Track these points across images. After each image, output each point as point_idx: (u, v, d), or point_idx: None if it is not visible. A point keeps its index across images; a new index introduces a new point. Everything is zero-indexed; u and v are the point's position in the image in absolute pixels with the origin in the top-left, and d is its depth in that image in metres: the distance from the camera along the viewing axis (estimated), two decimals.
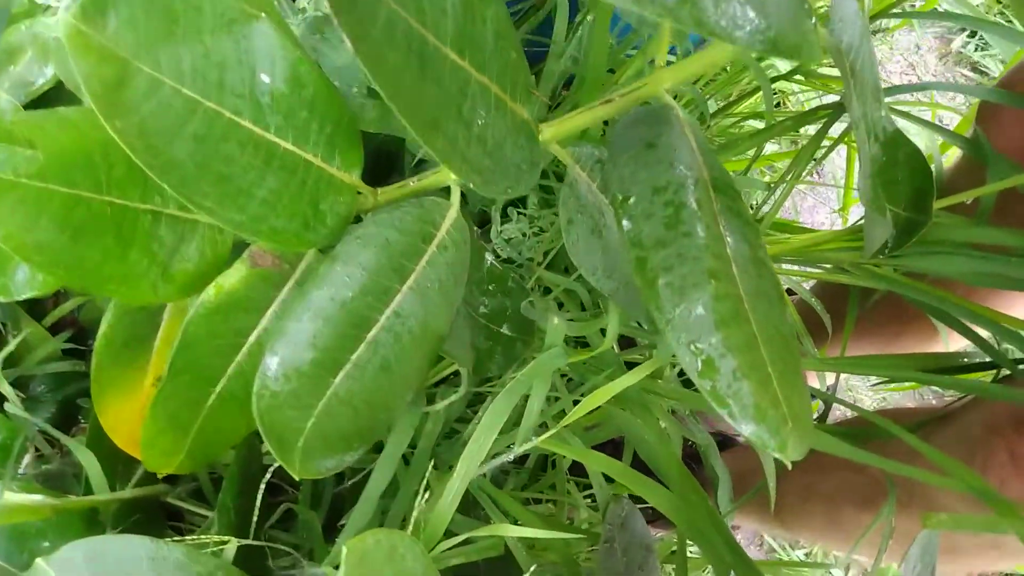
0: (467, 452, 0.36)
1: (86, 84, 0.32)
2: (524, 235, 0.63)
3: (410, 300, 0.39)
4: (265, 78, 0.38)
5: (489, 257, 0.55)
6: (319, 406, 0.37)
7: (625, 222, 0.29)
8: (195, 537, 0.41)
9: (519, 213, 0.64)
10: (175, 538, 0.41)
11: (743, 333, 0.27)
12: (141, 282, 0.41)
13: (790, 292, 1.01)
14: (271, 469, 0.48)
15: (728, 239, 0.30)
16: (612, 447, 0.77)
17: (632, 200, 0.29)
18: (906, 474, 0.42)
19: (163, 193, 0.42)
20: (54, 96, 0.62)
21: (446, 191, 0.43)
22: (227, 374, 0.44)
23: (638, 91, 0.36)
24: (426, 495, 0.37)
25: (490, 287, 0.55)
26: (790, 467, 0.27)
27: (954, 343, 0.67)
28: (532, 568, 0.40)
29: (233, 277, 0.41)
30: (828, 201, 1.54)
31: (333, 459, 0.38)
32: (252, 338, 0.44)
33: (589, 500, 0.67)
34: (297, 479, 0.35)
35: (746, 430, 0.26)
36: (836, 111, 0.54)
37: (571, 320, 0.48)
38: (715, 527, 0.39)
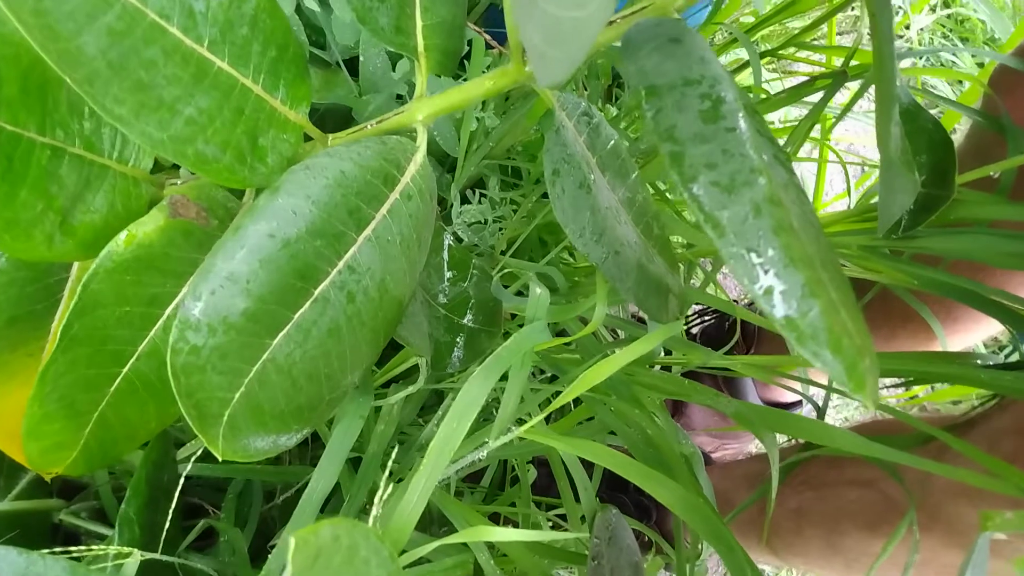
0: (435, 445, 0.29)
1: None
2: (486, 220, 0.57)
3: (368, 253, 0.32)
4: None
5: (449, 240, 0.49)
6: (251, 372, 0.29)
7: (652, 114, 0.23)
8: (87, 548, 0.33)
9: (481, 195, 0.58)
10: (58, 549, 0.32)
11: (801, 244, 0.22)
12: (32, 230, 0.34)
13: None
14: (184, 474, 0.40)
15: (763, 156, 0.25)
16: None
17: (660, 91, 0.24)
18: (951, 476, 0.36)
19: (67, 127, 0.35)
20: None
21: (411, 137, 0.37)
22: (137, 352, 0.36)
23: (645, 9, 0.31)
24: (381, 502, 0.29)
25: (451, 274, 0.49)
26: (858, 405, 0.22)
27: (952, 344, 0.63)
28: None
29: (148, 226, 0.34)
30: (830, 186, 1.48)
31: (266, 439, 0.30)
32: (170, 309, 0.36)
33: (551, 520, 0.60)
34: (220, 459, 0.28)
35: (819, 360, 0.20)
36: (836, 81, 0.50)
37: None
38: (724, 530, 0.33)
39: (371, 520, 0.29)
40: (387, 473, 0.30)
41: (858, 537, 0.62)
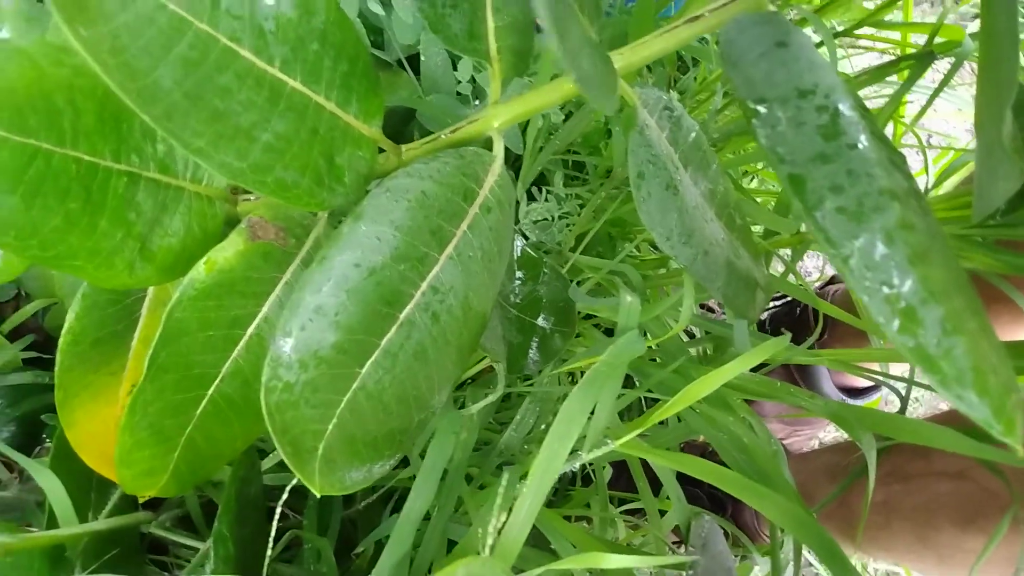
0: (539, 462, 0.29)
1: None
2: (552, 217, 0.56)
3: (450, 272, 0.31)
4: (268, 0, 0.31)
5: (520, 241, 0.48)
6: (343, 402, 0.29)
7: (764, 133, 0.22)
8: (174, 557, 0.33)
9: (547, 192, 0.56)
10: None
11: (939, 274, 0.20)
12: (114, 259, 0.34)
13: (837, 279, 0.94)
14: (286, 492, 0.40)
15: (890, 174, 0.23)
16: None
17: (771, 105, 0.22)
18: None
19: (141, 152, 0.35)
20: None
21: (486, 145, 0.36)
22: (221, 373, 0.36)
23: (736, 2, 0.29)
24: (500, 522, 0.29)
25: (521, 274, 0.48)
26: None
27: None
28: None
29: (228, 252, 0.34)
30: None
31: (360, 470, 0.30)
32: (251, 329, 0.36)
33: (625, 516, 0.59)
34: (318, 495, 0.27)
35: (963, 403, 0.19)
36: (923, 60, 0.47)
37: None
38: (836, 548, 0.31)
39: (487, 549, 0.29)
40: (497, 502, 0.30)
41: (952, 532, 0.59)
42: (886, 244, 0.20)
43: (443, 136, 0.36)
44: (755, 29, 0.25)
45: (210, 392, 0.36)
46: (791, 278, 0.49)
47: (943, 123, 1.48)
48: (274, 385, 0.27)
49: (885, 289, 0.19)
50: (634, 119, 0.34)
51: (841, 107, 0.22)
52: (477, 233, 0.33)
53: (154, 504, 0.49)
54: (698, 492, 0.78)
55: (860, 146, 0.21)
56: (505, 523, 0.29)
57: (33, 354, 0.55)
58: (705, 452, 0.81)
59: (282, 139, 0.31)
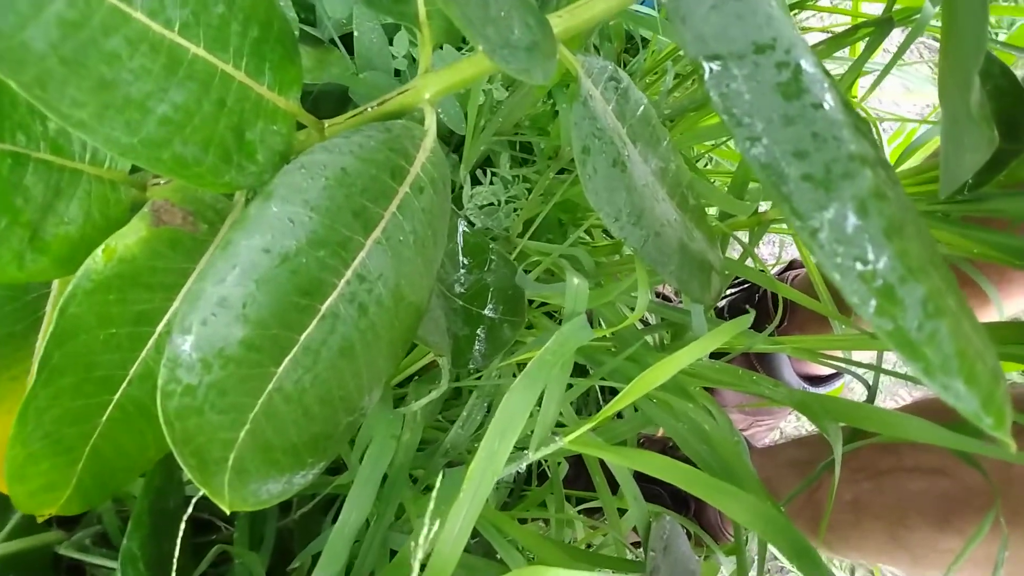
0: (477, 464, 0.26)
1: None
2: (498, 201, 0.53)
3: (378, 258, 0.28)
4: None
5: (463, 226, 0.45)
6: (256, 406, 0.26)
7: (718, 92, 0.19)
8: None
9: (492, 174, 0.54)
10: None
11: (916, 249, 0.18)
12: (0, 249, 0.30)
13: (798, 264, 0.92)
14: (195, 500, 0.36)
15: (858, 136, 0.21)
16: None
17: (727, 63, 0.19)
18: None
19: (28, 130, 0.31)
20: None
21: (417, 120, 0.33)
22: (128, 376, 0.33)
23: None
24: (431, 528, 0.26)
25: (466, 261, 0.45)
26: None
27: (1006, 307, 0.59)
28: None
29: (130, 239, 0.30)
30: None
31: (278, 481, 0.27)
32: (161, 326, 0.33)
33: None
34: (227, 512, 0.24)
35: (949, 393, 0.16)
36: (881, 29, 0.45)
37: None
38: (810, 550, 0.29)
39: (416, 560, 0.26)
40: (429, 507, 0.27)
41: (927, 531, 0.57)
42: (859, 215, 0.17)
43: (370, 109, 0.33)
44: None
45: (116, 397, 0.32)
46: (749, 262, 0.47)
47: (893, 105, 1.49)
48: (172, 389, 0.24)
49: (859, 266, 0.17)
50: (577, 89, 0.31)
51: (803, 63, 0.20)
52: (408, 215, 0.30)
53: (71, 521, 0.45)
54: (658, 490, 0.76)
55: (826, 106, 0.19)
56: (438, 532, 0.26)
57: None
58: (666, 448, 0.79)
59: (181, 111, 0.27)
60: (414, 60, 0.56)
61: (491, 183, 0.54)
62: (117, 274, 0.30)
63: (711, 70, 0.20)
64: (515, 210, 0.54)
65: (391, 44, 0.55)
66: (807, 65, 0.20)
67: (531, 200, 0.53)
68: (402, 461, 0.38)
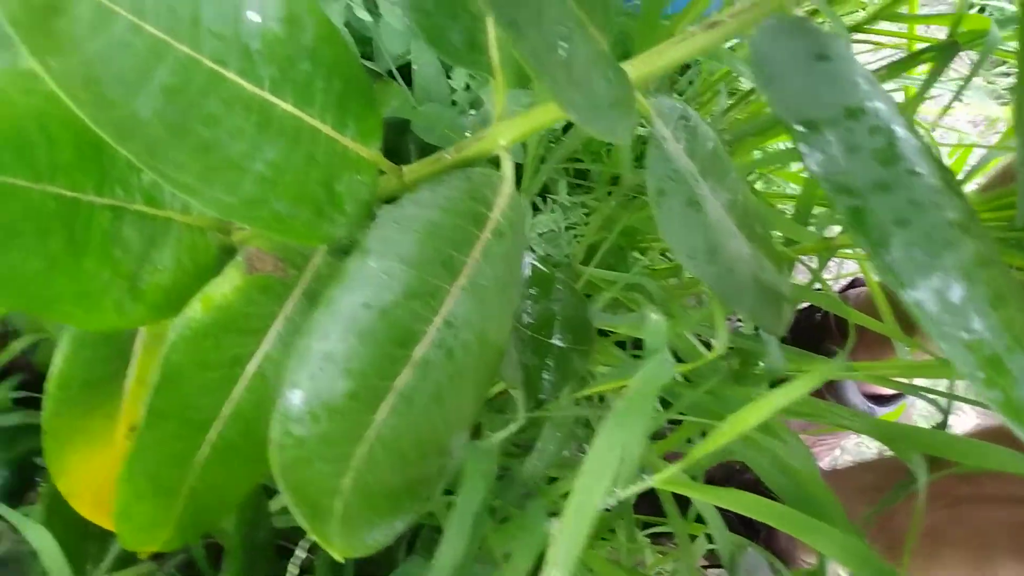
0: (574, 505, 0.27)
1: (4, 9, 0.22)
2: (559, 228, 0.54)
3: (464, 304, 0.29)
4: (253, 16, 0.29)
5: (529, 256, 0.46)
6: (358, 454, 0.27)
7: (815, 159, 0.20)
8: None
9: (552, 201, 0.54)
10: None
11: (1020, 317, 0.18)
12: (101, 300, 0.31)
13: (859, 283, 0.91)
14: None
15: (959, 202, 0.21)
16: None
17: (820, 127, 0.20)
18: None
19: (126, 183, 0.32)
20: None
21: (492, 164, 0.34)
22: (222, 416, 0.34)
23: (757, 7, 0.27)
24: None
25: (533, 291, 0.46)
26: None
27: None
28: None
29: (225, 287, 0.32)
30: None
31: (382, 527, 0.28)
32: (252, 367, 0.34)
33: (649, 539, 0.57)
34: (341, 559, 0.25)
35: None
36: (946, 53, 0.45)
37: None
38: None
39: None
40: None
41: (1014, 566, 0.55)
42: (963, 284, 0.18)
43: (447, 156, 0.33)
44: (788, 41, 0.23)
45: (211, 437, 0.34)
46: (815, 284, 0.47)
47: (947, 117, 1.45)
48: (285, 442, 0.25)
49: (964, 335, 0.17)
50: (651, 134, 0.32)
51: (895, 128, 0.20)
52: (490, 260, 0.31)
53: (158, 553, 0.47)
54: (728, 514, 0.75)
55: (921, 172, 0.19)
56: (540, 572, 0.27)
57: (23, 393, 0.53)
58: (732, 473, 0.79)
59: (275, 168, 0.28)
60: (469, 88, 0.57)
61: (551, 211, 0.54)
62: (214, 321, 0.31)
63: (805, 135, 0.20)
64: (576, 237, 0.55)
65: (448, 77, 0.56)
66: (899, 129, 0.20)
67: (591, 227, 0.54)
68: (483, 492, 0.39)
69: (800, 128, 0.20)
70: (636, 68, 0.30)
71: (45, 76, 0.22)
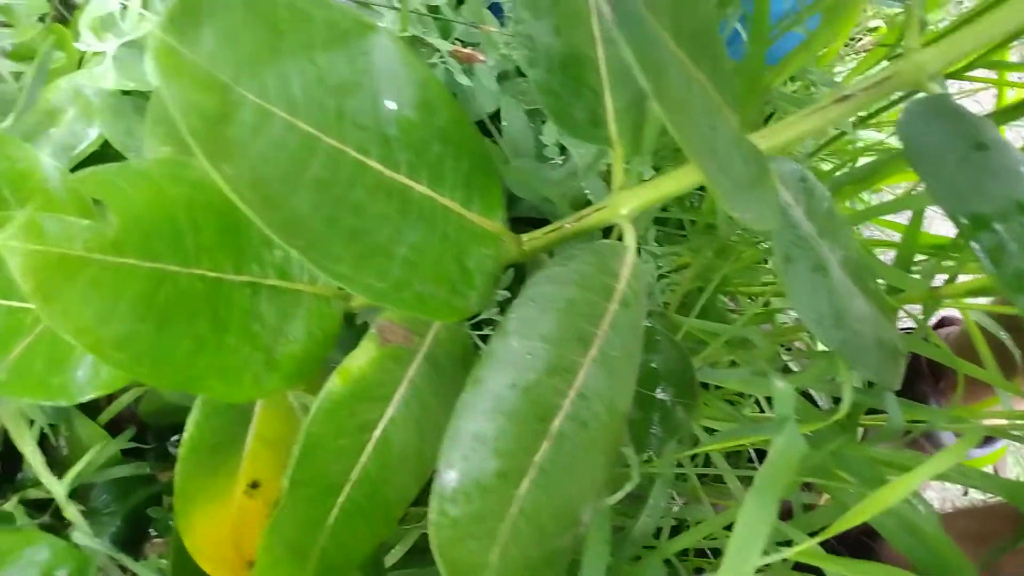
0: None
1: (185, 119, 0.23)
2: (653, 278, 0.54)
3: (595, 376, 0.30)
4: (390, 104, 0.30)
5: None
6: (502, 529, 0.27)
7: (992, 258, 0.20)
8: None
9: (643, 251, 0.55)
10: None
11: None
12: (242, 374, 0.33)
13: (948, 322, 0.90)
14: None
15: None
16: None
17: (989, 222, 0.20)
18: None
19: (261, 259, 0.34)
20: (99, 159, 0.54)
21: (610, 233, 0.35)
22: (350, 480, 0.35)
23: (891, 79, 0.27)
24: None
25: None
26: None
27: None
28: None
29: (361, 360, 0.33)
30: None
31: None
32: (378, 431, 0.35)
33: None
34: None
35: None
36: None
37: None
38: None
39: None
40: None
41: None
42: None
43: (566, 225, 0.34)
44: (939, 125, 0.23)
45: (340, 501, 0.35)
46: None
47: None
48: (442, 522, 0.26)
49: None
50: (777, 201, 0.32)
51: None
52: (618, 331, 0.31)
53: None
54: (841, 550, 0.74)
55: None
56: None
57: (130, 444, 0.55)
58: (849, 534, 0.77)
59: (416, 250, 0.29)
60: (562, 150, 0.57)
61: (644, 261, 0.55)
62: (351, 393, 0.32)
63: (972, 228, 0.20)
64: (669, 286, 0.55)
65: (540, 132, 0.57)
66: None
67: (687, 277, 0.54)
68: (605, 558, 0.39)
69: (966, 222, 0.21)
70: (766, 140, 0.30)
71: (220, 183, 0.24)
